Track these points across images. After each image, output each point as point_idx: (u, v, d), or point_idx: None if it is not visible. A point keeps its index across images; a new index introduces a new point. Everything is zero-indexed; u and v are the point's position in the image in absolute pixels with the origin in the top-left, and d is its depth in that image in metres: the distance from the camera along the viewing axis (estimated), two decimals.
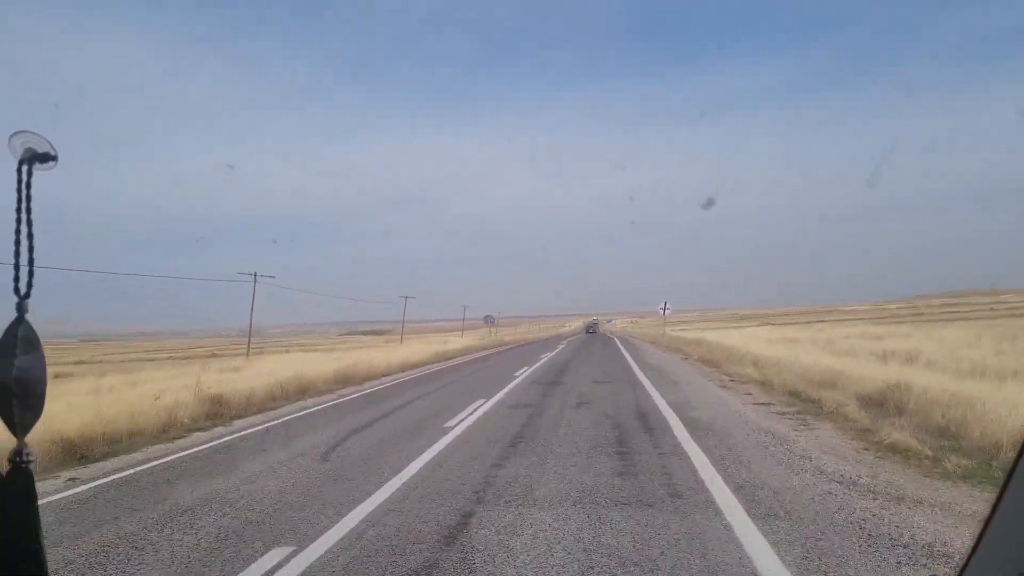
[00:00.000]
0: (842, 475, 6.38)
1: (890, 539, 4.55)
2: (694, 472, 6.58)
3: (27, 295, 1.13)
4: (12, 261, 1.12)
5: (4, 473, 1.11)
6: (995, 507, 1.41)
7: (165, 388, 14.93)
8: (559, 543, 4.62)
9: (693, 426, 9.28)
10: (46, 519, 5.82)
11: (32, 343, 1.12)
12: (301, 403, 14.72)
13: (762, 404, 11.57)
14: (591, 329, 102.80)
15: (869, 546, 4.42)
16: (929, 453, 7.09)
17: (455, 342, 48.82)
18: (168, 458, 8.74)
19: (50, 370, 1.21)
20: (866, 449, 7.63)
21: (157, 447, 9.67)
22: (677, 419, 9.92)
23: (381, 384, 19.30)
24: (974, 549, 1.46)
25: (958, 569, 1.50)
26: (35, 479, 1.14)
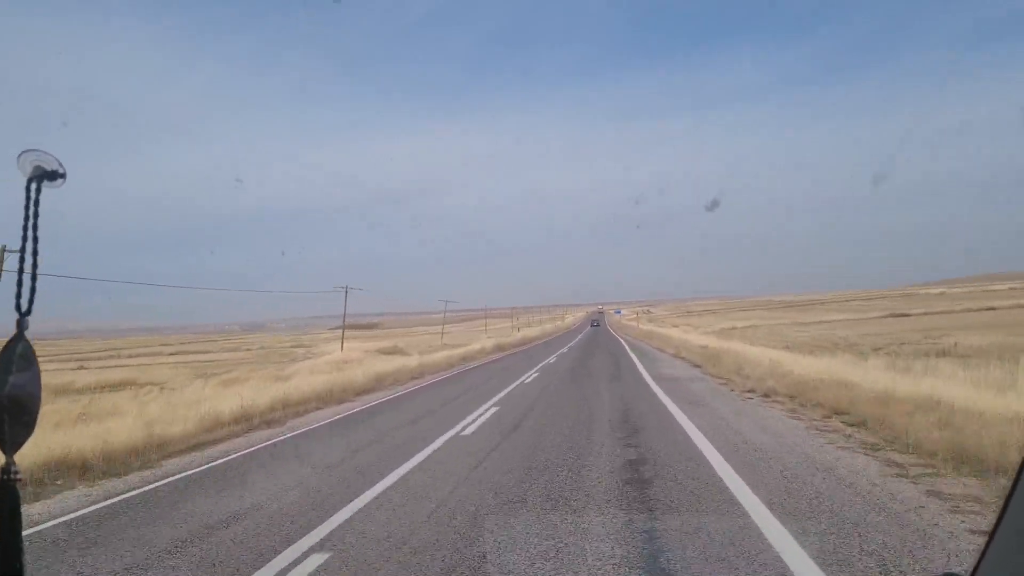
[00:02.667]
0: None
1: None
2: None
3: (28, 312, 1.13)
4: (16, 277, 1.12)
5: None
6: (1007, 503, 1.35)
7: None
8: None
9: None
10: None
11: (29, 360, 1.11)
12: None
13: None
14: (595, 323, 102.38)
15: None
16: None
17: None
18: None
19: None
20: None
21: None
22: None
23: None
24: (987, 546, 1.40)
25: (971, 568, 1.44)
26: (21, 499, 1.12)
